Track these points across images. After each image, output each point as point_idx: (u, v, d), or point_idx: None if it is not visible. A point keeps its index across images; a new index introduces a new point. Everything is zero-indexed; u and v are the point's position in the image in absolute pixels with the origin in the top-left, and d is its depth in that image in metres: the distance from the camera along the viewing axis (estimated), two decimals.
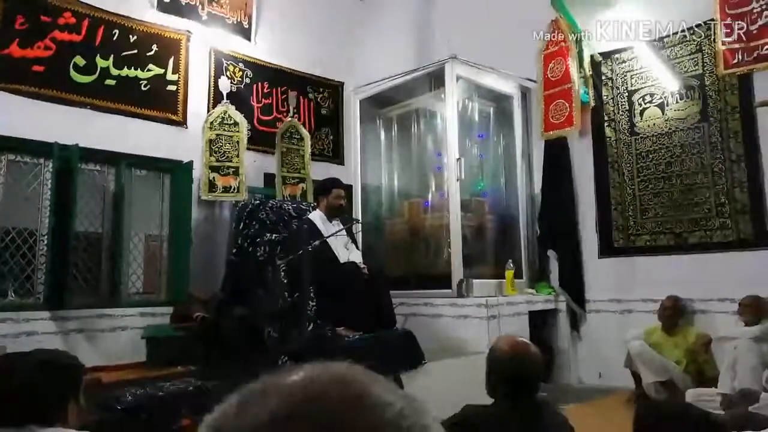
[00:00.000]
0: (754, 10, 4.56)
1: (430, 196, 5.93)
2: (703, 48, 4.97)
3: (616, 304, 5.32)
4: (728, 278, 4.60)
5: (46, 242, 4.40)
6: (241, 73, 5.72)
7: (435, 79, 5.84)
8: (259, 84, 5.85)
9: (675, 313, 4.65)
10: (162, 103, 5.17)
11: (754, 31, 4.59)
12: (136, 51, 5.04)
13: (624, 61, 5.47)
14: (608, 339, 5.20)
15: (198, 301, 4.70)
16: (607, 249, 5.46)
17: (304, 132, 5.98)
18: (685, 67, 5.08)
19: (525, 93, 6.17)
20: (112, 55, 4.90)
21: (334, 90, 6.51)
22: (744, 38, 4.63)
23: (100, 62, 4.84)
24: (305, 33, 6.23)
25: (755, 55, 4.58)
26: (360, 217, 5.95)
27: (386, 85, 6.11)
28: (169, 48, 5.24)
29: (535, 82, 5.97)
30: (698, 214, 4.93)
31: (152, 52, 5.13)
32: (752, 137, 4.66)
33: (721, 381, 3.93)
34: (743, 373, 3.74)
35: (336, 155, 6.47)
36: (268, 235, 4.60)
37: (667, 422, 1.24)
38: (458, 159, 5.41)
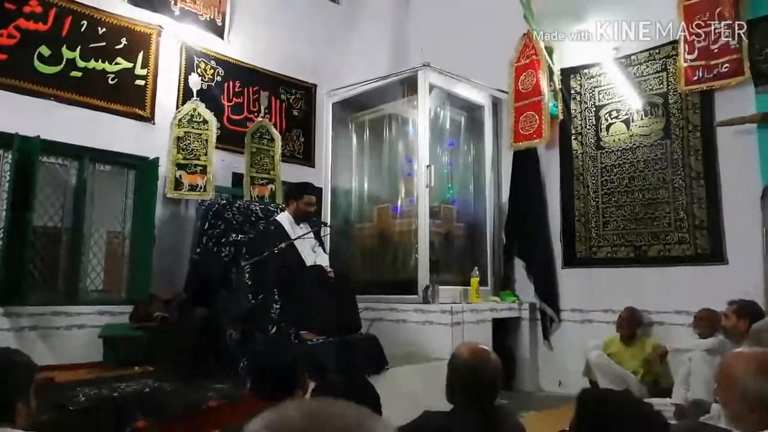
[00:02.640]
0: (716, 30, 4.72)
1: (399, 202, 5.94)
2: (668, 67, 5.12)
3: (578, 314, 5.42)
4: (684, 291, 4.74)
5: (2, 236, 4.25)
6: (212, 70, 5.65)
7: (408, 86, 5.87)
8: (231, 83, 5.79)
9: (631, 324, 4.76)
10: (129, 97, 5.06)
11: (715, 50, 4.76)
12: (104, 43, 4.93)
13: (592, 77, 5.60)
14: (569, 348, 5.30)
15: (159, 300, 4.60)
16: (570, 259, 5.56)
17: (275, 133, 5.94)
18: (650, 85, 5.23)
19: (496, 103, 6.26)
20: (79, 47, 4.78)
21: (306, 92, 6.48)
22: (705, 56, 4.80)
23: (66, 53, 4.72)
24: (279, 33, 6.20)
25: (715, 72, 4.76)
26: (329, 221, 5.93)
27: (359, 89, 6.11)
28: (138, 42, 5.14)
29: (506, 93, 6.07)
30: (658, 228, 5.07)
31: (121, 46, 5.02)
32: (712, 155, 4.83)
33: (675, 392, 4.04)
34: (696, 385, 3.85)
35: (307, 157, 6.43)
36: (234, 235, 4.55)
37: (610, 409, 1.28)
38: (428, 166, 5.44)
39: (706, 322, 4.27)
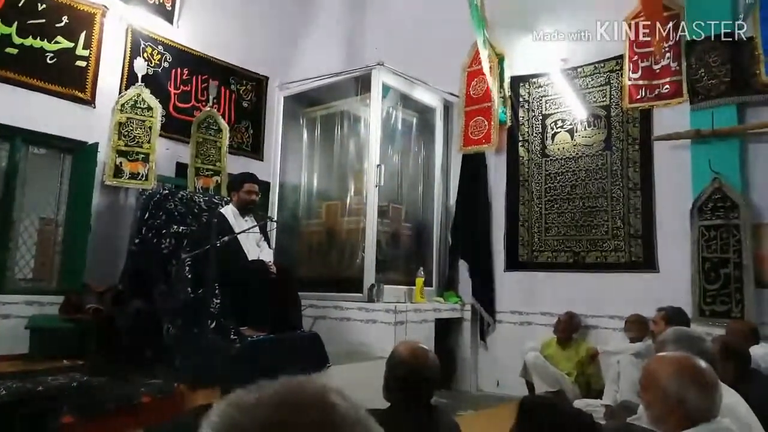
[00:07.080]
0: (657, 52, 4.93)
1: (348, 199, 5.92)
2: (611, 81, 5.32)
3: (517, 316, 5.56)
4: (618, 297, 4.94)
5: None
6: (159, 56, 5.47)
7: (361, 84, 5.86)
8: (179, 69, 5.61)
9: (569, 328, 4.91)
10: (69, 79, 4.83)
11: (657, 71, 4.98)
12: (44, 20, 4.69)
13: (540, 86, 5.75)
14: (508, 349, 5.42)
15: (93, 291, 4.42)
16: (512, 263, 5.69)
17: (223, 123, 5.80)
18: (594, 97, 5.42)
19: (447, 107, 6.33)
20: (15, 22, 4.53)
21: (258, 84, 6.37)
22: (648, 76, 5.01)
23: (1, 28, 4.46)
24: (231, 22, 6.06)
25: (656, 93, 4.98)
26: (276, 216, 5.85)
27: (312, 84, 6.06)
28: (81, 21, 4.91)
29: (457, 97, 6.15)
30: (596, 236, 5.25)
31: (62, 24, 4.79)
32: (648, 168, 5.04)
33: (606, 393, 4.21)
34: (625, 387, 4.02)
35: (255, 150, 6.32)
36: (175, 227, 4.42)
37: (544, 411, 1.34)
38: (378, 165, 5.46)
39: (636, 327, 4.47)
